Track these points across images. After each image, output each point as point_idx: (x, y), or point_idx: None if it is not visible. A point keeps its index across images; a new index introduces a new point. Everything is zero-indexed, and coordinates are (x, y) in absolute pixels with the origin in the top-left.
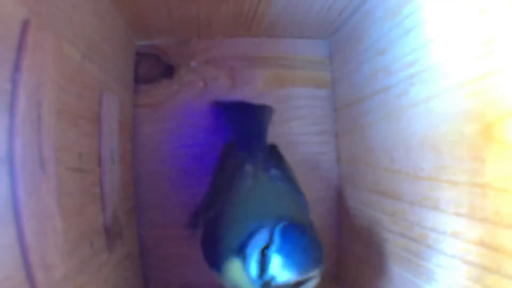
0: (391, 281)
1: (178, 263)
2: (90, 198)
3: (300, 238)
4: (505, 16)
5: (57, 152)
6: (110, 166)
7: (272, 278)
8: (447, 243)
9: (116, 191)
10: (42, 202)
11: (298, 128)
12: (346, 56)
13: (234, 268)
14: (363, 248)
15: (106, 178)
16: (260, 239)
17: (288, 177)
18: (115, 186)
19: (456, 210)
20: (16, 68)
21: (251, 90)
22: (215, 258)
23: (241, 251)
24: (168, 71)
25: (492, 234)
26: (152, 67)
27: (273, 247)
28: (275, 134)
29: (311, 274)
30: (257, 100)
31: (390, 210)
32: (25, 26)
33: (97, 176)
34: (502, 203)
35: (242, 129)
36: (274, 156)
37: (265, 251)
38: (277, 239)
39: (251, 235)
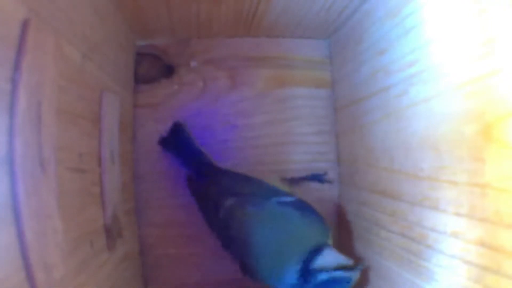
0: (391, 281)
1: (178, 263)
2: (90, 198)
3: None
4: (505, 16)
5: (57, 152)
6: (110, 166)
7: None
8: (447, 243)
9: (116, 191)
10: (42, 202)
11: (298, 128)
12: (346, 56)
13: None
14: (363, 248)
15: (106, 178)
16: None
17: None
18: (115, 186)
19: (456, 210)
20: (16, 68)
21: (251, 90)
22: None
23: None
24: (168, 71)
25: (492, 234)
26: (152, 67)
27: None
28: (275, 134)
29: None
30: (257, 100)
31: (390, 210)
32: (25, 26)
33: (97, 176)
34: (502, 203)
35: (185, 158)
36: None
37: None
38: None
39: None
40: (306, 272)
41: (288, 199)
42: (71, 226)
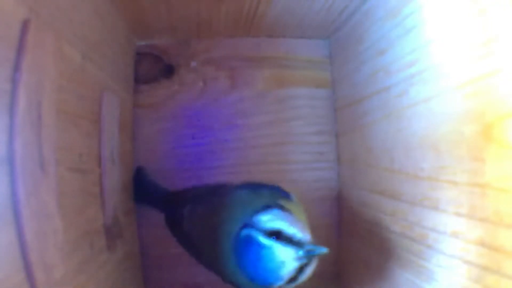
0: (391, 281)
1: (178, 263)
2: (90, 198)
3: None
4: (505, 16)
5: (57, 152)
6: (110, 166)
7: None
8: (447, 243)
9: (116, 191)
10: (42, 202)
11: (298, 128)
12: (346, 56)
13: None
14: (363, 248)
15: (106, 178)
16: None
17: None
18: (115, 186)
19: (456, 210)
20: (16, 68)
21: (251, 90)
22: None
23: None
24: (168, 71)
25: (492, 234)
26: (152, 67)
27: None
28: (275, 134)
29: None
30: (257, 100)
31: (390, 210)
32: (25, 26)
33: (97, 176)
34: (502, 203)
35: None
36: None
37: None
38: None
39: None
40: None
41: (235, 184)
42: (71, 226)
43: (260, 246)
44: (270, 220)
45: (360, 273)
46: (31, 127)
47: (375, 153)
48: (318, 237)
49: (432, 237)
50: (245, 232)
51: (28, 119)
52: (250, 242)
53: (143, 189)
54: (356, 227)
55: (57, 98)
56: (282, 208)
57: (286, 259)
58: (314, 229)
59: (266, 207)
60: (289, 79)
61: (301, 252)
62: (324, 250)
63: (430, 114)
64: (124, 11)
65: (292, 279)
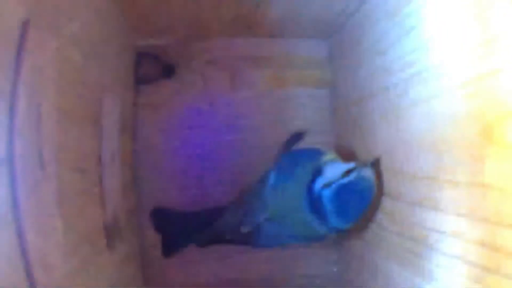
0: (391, 281)
1: (178, 263)
2: (90, 198)
3: None
4: (505, 16)
5: (57, 152)
6: (110, 166)
7: None
8: (447, 243)
9: (116, 191)
10: (42, 202)
11: (298, 128)
12: (346, 56)
13: None
14: (363, 248)
15: (106, 178)
16: None
17: None
18: (115, 186)
19: (456, 210)
20: (16, 68)
21: (251, 90)
22: None
23: None
24: (168, 71)
25: (492, 234)
26: (152, 67)
27: None
28: (275, 134)
29: None
30: (257, 100)
31: (390, 210)
32: (25, 26)
33: (97, 176)
34: (502, 203)
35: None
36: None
37: None
38: None
39: None
40: (311, 197)
41: (272, 175)
42: (71, 226)
43: (350, 187)
44: (330, 176)
45: (360, 273)
46: (31, 127)
47: (375, 153)
48: None
49: (432, 237)
50: (325, 193)
51: (28, 119)
52: (342, 193)
53: (174, 231)
54: (356, 227)
55: (57, 98)
56: (327, 163)
57: (365, 177)
58: None
59: (320, 169)
60: (289, 79)
61: (366, 170)
62: (369, 163)
63: (430, 114)
64: (124, 11)
65: None
